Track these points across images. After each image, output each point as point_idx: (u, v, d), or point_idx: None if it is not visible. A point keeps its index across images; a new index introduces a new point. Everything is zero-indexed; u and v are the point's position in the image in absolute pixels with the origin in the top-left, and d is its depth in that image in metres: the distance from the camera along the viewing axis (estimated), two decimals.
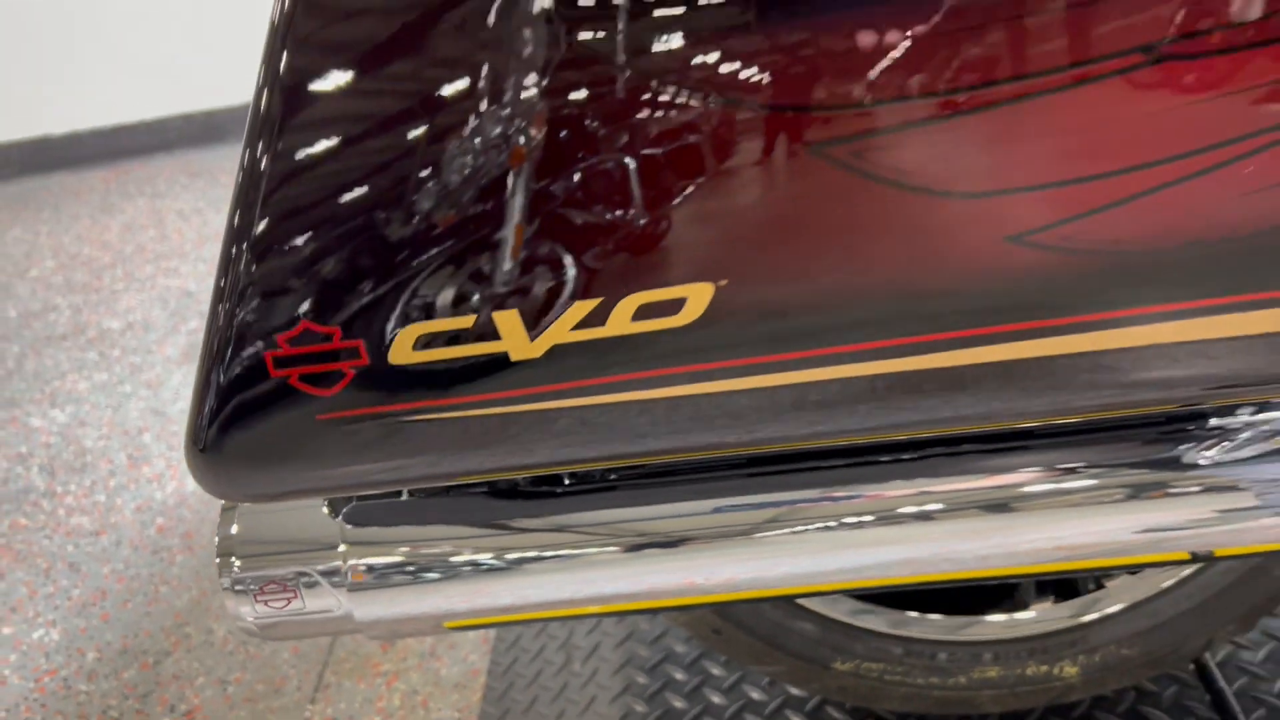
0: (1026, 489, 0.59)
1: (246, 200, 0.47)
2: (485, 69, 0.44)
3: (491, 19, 0.43)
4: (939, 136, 0.42)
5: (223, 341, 0.50)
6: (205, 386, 0.51)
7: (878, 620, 0.86)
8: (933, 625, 0.86)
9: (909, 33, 0.41)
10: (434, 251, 0.46)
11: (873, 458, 0.58)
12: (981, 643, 0.86)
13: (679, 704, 1.00)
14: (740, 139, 0.43)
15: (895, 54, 0.41)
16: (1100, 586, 0.86)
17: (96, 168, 3.15)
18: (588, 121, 0.43)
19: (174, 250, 2.48)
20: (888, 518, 0.57)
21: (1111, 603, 0.85)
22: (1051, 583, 0.88)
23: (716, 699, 0.99)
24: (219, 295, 0.49)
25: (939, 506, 0.57)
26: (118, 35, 3.00)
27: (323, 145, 0.45)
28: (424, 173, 0.45)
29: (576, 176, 0.44)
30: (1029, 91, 0.41)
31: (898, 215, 0.43)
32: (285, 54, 0.45)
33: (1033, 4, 0.40)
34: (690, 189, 0.44)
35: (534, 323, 0.47)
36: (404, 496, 0.64)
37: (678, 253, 0.45)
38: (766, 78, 0.42)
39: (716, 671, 1.03)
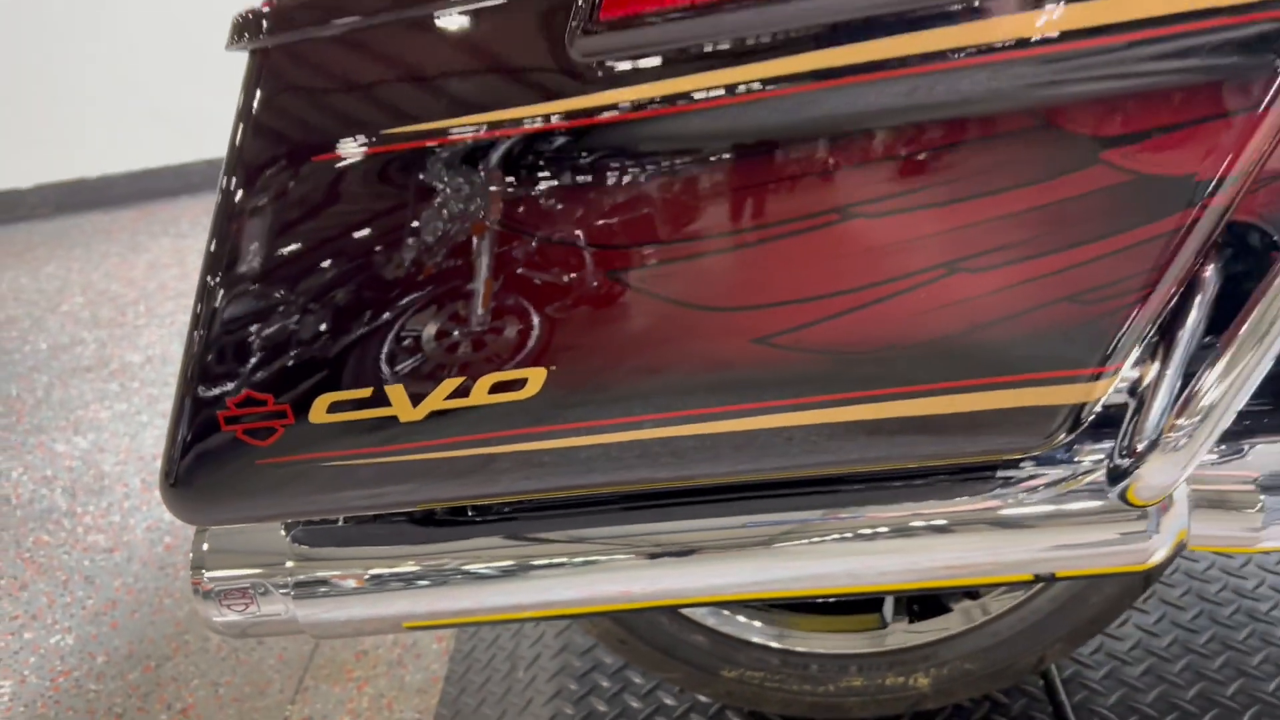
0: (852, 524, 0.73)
1: (205, 296, 0.63)
2: (379, 211, 0.60)
3: (382, 172, 0.59)
4: (702, 268, 0.58)
5: (187, 402, 0.66)
6: (174, 435, 0.67)
7: (759, 634, 1.01)
8: (805, 639, 1.01)
9: (664, 198, 0.57)
10: (341, 340, 0.62)
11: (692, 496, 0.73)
12: (848, 655, 1.00)
13: (601, 707, 1.15)
14: (558, 270, 0.59)
15: (665, 211, 0.57)
16: (947, 611, 1.00)
17: (126, 208, 3.35)
18: (452, 259, 0.59)
19: (193, 288, 2.67)
20: (698, 545, 0.72)
21: (955, 624, 0.99)
22: (910, 603, 1.02)
23: (634, 703, 1.14)
24: (183, 370, 0.65)
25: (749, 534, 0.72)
26: (147, 85, 3.22)
27: (259, 267, 0.62)
28: (332, 286, 0.61)
29: (446, 294, 0.60)
30: (762, 238, 0.57)
31: (674, 323, 0.59)
32: (239, 189, 0.62)
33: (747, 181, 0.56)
34: (525, 305, 0.60)
35: (416, 395, 0.63)
36: (340, 522, 0.80)
37: (521, 345, 0.61)
38: (580, 228, 0.58)
39: (637, 680, 1.17)
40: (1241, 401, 0.61)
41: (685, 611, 0.99)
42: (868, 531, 0.72)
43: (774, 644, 1.01)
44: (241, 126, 0.60)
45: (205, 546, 0.81)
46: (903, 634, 1.00)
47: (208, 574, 0.80)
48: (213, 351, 0.63)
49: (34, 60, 3.23)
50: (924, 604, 1.02)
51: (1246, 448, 0.71)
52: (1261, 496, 0.70)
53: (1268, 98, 0.51)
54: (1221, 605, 1.15)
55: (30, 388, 2.30)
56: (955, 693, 1.01)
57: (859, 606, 1.02)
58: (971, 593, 0.99)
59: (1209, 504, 0.72)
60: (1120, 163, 0.54)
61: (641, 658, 1.02)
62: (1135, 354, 0.59)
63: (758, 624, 1.01)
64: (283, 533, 0.80)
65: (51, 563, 1.69)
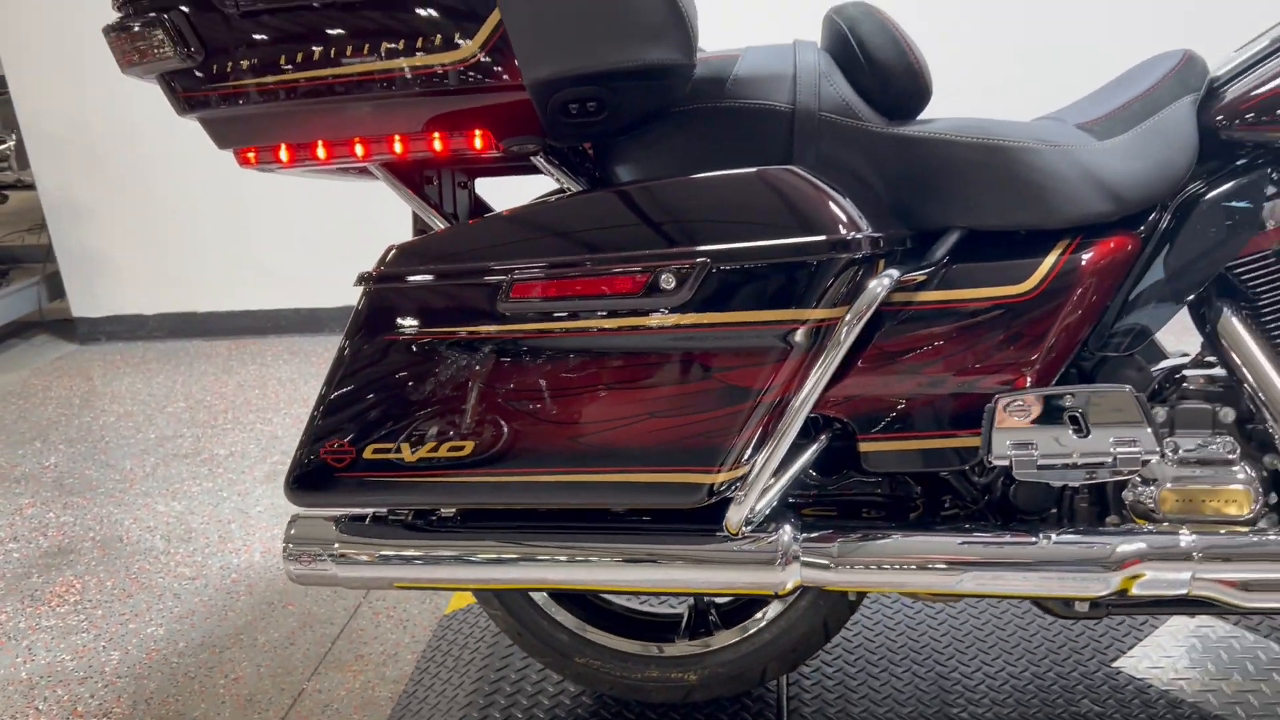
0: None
1: (329, 380, 1.36)
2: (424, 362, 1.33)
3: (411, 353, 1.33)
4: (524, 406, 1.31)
5: (305, 440, 1.38)
6: (297, 455, 1.39)
7: (596, 637, 1.67)
8: (626, 643, 1.67)
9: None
10: (380, 419, 1.34)
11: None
12: (649, 656, 1.66)
13: (508, 689, 1.80)
14: (484, 402, 1.32)
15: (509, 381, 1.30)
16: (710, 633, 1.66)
17: (223, 339, 4.16)
18: (444, 391, 1.32)
19: (271, 406, 3.43)
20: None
21: (714, 643, 1.64)
22: (695, 627, 1.68)
23: (529, 687, 1.79)
24: (309, 422, 1.37)
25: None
26: (249, 241, 4.08)
27: (352, 378, 1.35)
28: (384, 396, 1.34)
29: (438, 408, 1.32)
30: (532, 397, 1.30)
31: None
32: (357, 339, 1.36)
33: None
34: (476, 413, 1.32)
35: (415, 447, 1.34)
36: (367, 520, 1.50)
37: (469, 427, 1.33)
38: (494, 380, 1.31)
39: (535, 671, 1.83)
40: (768, 474, 1.29)
41: (555, 616, 1.66)
42: (594, 557, 1.40)
43: (606, 644, 1.67)
44: (356, 317, 1.34)
45: (292, 530, 1.51)
46: (683, 645, 1.66)
47: (289, 543, 1.50)
48: (321, 414, 1.36)
49: (169, 211, 4.13)
50: (701, 626, 1.67)
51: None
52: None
53: (804, 352, 1.23)
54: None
55: (141, 464, 3.04)
56: (712, 689, 1.65)
57: (665, 626, 1.68)
58: (731, 621, 1.65)
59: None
60: (727, 380, 1.26)
61: (528, 646, 1.68)
62: (735, 459, 1.29)
63: (594, 630, 1.67)
64: (330, 524, 1.50)
65: (151, 582, 2.39)
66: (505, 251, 1.29)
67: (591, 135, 1.35)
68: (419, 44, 1.26)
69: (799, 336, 1.24)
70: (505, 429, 1.33)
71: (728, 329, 1.25)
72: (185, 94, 1.35)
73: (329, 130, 1.36)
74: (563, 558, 1.41)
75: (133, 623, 2.22)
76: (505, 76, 1.26)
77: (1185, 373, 1.48)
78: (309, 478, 1.39)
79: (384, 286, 1.33)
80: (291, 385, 3.59)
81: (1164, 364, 1.50)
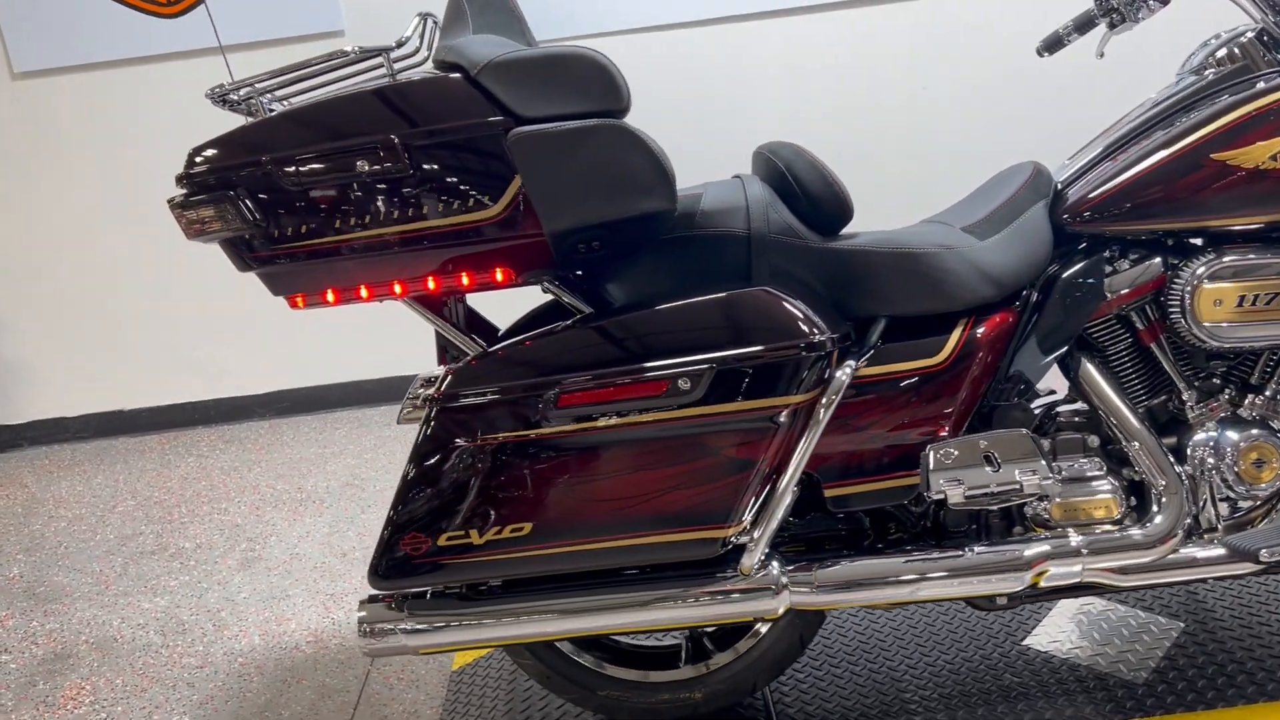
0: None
1: (404, 484, 1.65)
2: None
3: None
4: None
5: (386, 535, 1.66)
6: (378, 548, 1.66)
7: (616, 672, 1.99)
8: (641, 674, 1.99)
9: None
10: (451, 514, 1.64)
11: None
12: (658, 683, 1.99)
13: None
14: (530, 488, 1.63)
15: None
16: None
17: (153, 434, 4.26)
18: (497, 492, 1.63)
19: (222, 496, 3.60)
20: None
21: (716, 662, 1.99)
22: (698, 651, 2.01)
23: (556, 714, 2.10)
24: (388, 520, 1.66)
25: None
26: (171, 334, 4.20)
27: (434, 476, 1.64)
28: (451, 497, 1.64)
29: (489, 502, 1.63)
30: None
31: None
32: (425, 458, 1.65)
33: None
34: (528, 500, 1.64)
35: (481, 531, 1.64)
36: (427, 595, 1.78)
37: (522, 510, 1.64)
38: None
39: (556, 708, 2.13)
40: (774, 526, 1.66)
41: (578, 659, 1.97)
42: (623, 605, 1.74)
43: (623, 677, 1.99)
44: (424, 431, 1.64)
45: (363, 614, 1.78)
46: (688, 669, 2.00)
47: (365, 625, 1.77)
48: (399, 513, 1.64)
49: (84, 311, 4.21)
50: (699, 653, 2.01)
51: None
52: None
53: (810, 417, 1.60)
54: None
55: (109, 565, 3.18)
56: (715, 702, 2.00)
57: (668, 657, 2.02)
58: (724, 644, 1.99)
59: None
60: (732, 454, 1.61)
61: (556, 687, 1.99)
62: (740, 516, 1.65)
63: (611, 667, 1.99)
64: (390, 605, 1.78)
65: (160, 675, 2.56)
66: (547, 369, 1.62)
67: (591, 264, 1.70)
68: (454, 205, 1.58)
69: (785, 417, 1.62)
70: (558, 508, 1.65)
71: (731, 415, 1.61)
72: (250, 256, 1.63)
73: (373, 275, 1.66)
74: (597, 608, 1.74)
75: (156, 714, 2.41)
76: (527, 228, 1.60)
77: (1058, 409, 1.93)
78: (392, 566, 1.67)
79: (448, 406, 1.64)
80: (236, 474, 3.76)
81: (1040, 402, 1.94)
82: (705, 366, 1.59)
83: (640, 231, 1.68)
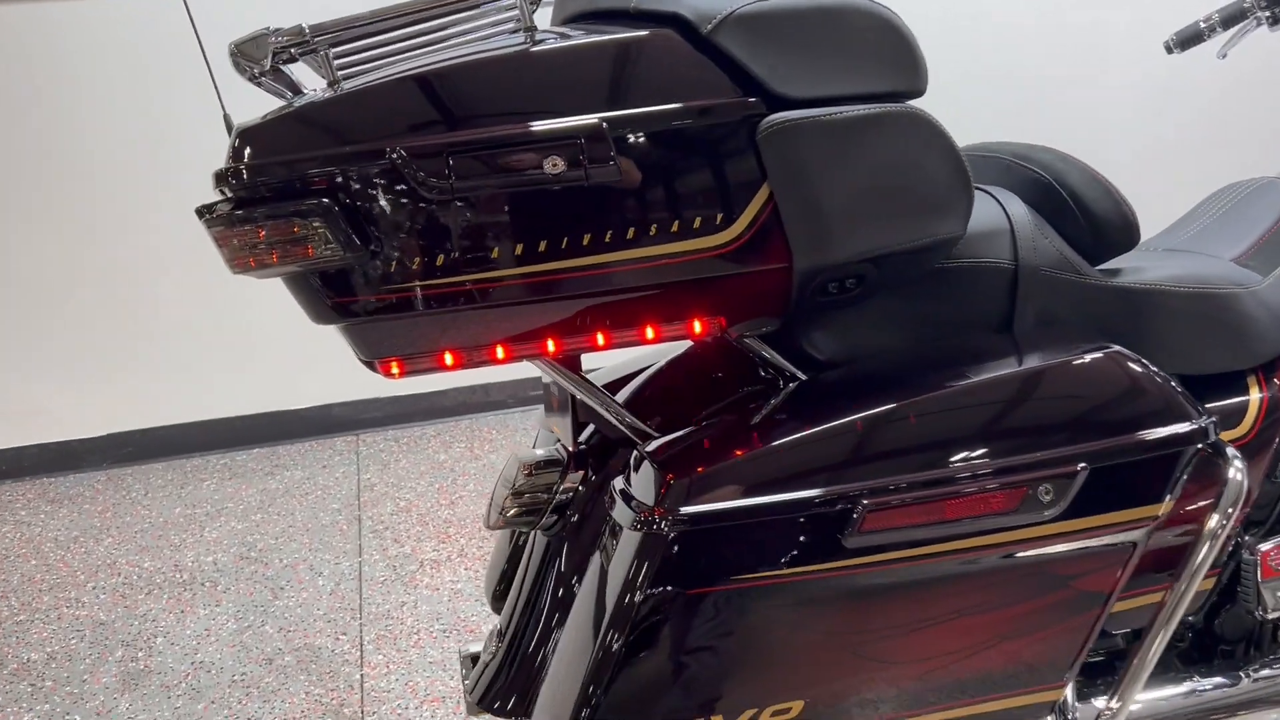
0: None
1: (602, 649, 1.05)
2: None
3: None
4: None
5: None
6: None
7: None
8: None
9: None
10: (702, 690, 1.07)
11: None
12: None
13: None
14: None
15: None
16: None
17: None
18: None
19: (67, 579, 2.73)
20: None
21: None
22: None
23: None
24: (581, 696, 1.05)
25: None
26: None
27: (656, 637, 1.06)
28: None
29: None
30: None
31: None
32: None
33: None
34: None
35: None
36: None
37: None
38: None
39: None
40: (1143, 678, 1.20)
41: None
42: None
43: None
44: (637, 569, 1.05)
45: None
46: None
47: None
48: (598, 688, 1.05)
49: None
50: None
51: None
52: None
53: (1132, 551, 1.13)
54: None
55: None
56: None
57: None
58: None
59: None
60: (1082, 587, 1.14)
61: None
62: (1076, 670, 1.18)
63: None
64: None
65: None
66: (839, 474, 1.08)
67: (830, 309, 1.20)
68: (671, 228, 1.05)
69: (1165, 531, 1.16)
70: (839, 679, 1.12)
71: (1091, 534, 1.13)
72: (348, 301, 1.03)
73: (519, 327, 1.09)
74: None
75: None
76: (769, 260, 1.08)
77: None
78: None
79: (678, 530, 1.07)
80: (80, 547, 2.89)
81: None
82: (1077, 467, 1.10)
83: (915, 266, 1.19)
